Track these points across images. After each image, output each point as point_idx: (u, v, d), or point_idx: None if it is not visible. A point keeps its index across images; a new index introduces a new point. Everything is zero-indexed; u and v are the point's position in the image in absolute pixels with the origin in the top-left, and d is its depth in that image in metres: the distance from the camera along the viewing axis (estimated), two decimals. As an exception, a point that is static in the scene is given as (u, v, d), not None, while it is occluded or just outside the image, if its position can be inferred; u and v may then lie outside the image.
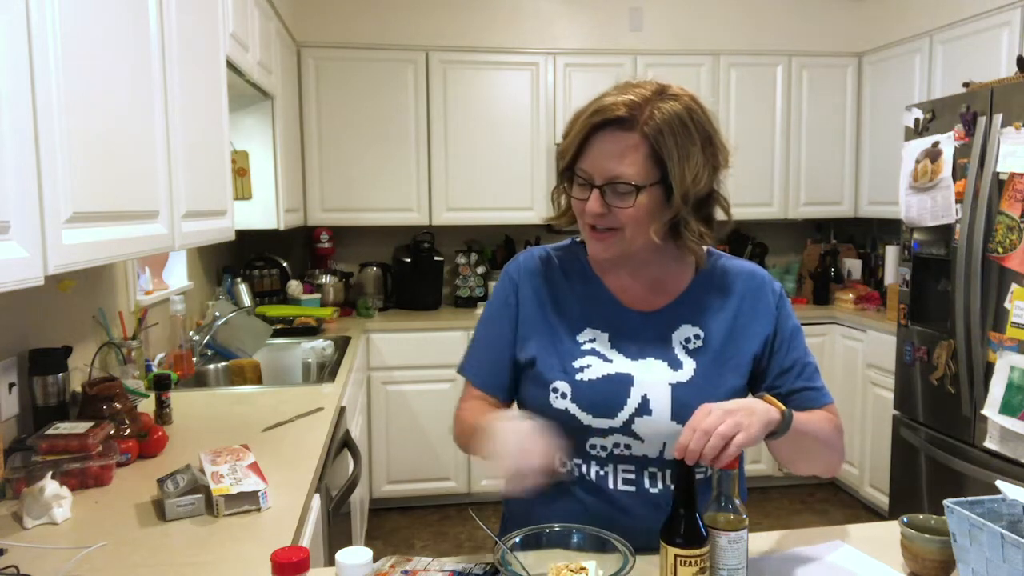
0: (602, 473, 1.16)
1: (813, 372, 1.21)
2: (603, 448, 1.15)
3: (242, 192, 2.89)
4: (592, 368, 1.16)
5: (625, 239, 1.12)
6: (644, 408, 1.13)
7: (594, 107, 1.09)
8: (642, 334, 1.18)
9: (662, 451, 1.14)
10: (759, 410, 0.98)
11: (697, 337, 1.18)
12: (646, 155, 1.07)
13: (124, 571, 1.12)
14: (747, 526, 0.97)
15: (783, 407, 1.02)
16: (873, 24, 3.96)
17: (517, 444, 0.99)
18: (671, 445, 1.11)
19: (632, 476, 1.15)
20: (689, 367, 1.16)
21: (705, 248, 1.21)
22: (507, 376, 1.23)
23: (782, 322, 1.20)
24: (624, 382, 1.14)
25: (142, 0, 1.43)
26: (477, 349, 1.27)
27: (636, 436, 1.13)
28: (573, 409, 1.14)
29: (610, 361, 1.16)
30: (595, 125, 1.08)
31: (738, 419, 0.95)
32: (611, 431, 1.14)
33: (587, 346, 1.18)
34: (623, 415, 1.13)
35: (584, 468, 1.16)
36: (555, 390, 1.15)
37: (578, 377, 1.15)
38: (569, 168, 1.13)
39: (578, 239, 1.29)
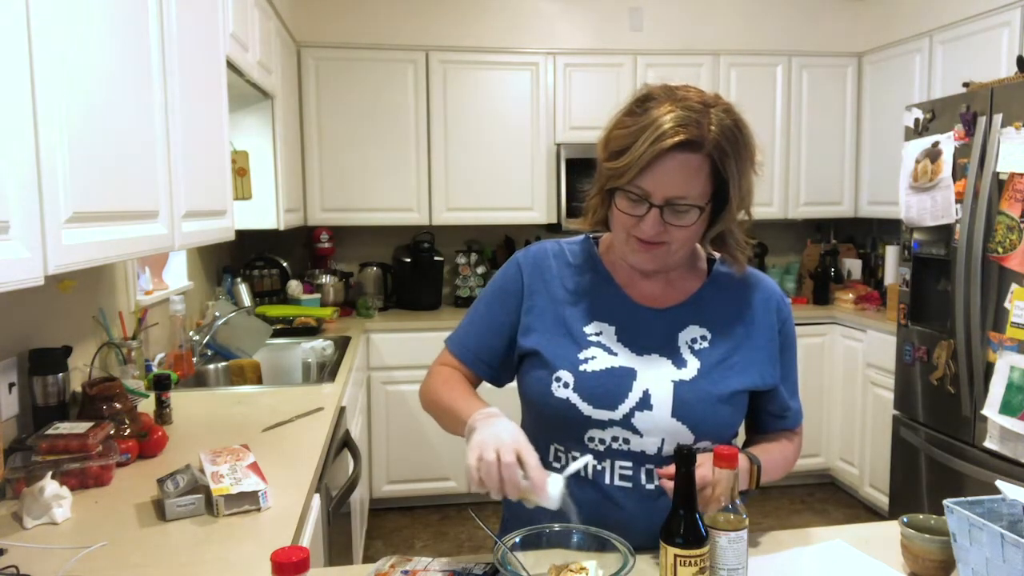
0: (599, 468, 1.16)
1: (795, 390, 1.28)
2: (601, 441, 1.15)
3: (242, 192, 2.88)
4: (596, 360, 1.16)
5: (671, 251, 1.13)
6: (645, 403, 1.14)
7: (658, 130, 1.03)
8: (649, 331, 1.19)
9: (660, 448, 1.14)
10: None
11: (704, 338, 1.19)
12: (708, 175, 1.07)
13: (124, 571, 1.12)
14: (747, 526, 0.97)
15: (756, 479, 1.13)
16: (873, 24, 3.96)
17: (491, 459, 1.01)
18: (670, 442, 1.13)
19: (629, 472, 1.15)
20: (693, 366, 1.16)
21: (718, 255, 1.22)
22: (487, 355, 1.26)
23: (787, 343, 1.24)
24: (627, 375, 1.15)
25: (142, 0, 1.44)
26: (467, 325, 1.30)
27: (635, 431, 1.14)
28: (574, 399, 1.15)
29: (615, 354, 1.17)
30: (664, 149, 1.04)
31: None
32: (611, 423, 1.14)
33: (593, 338, 1.19)
34: (623, 408, 1.14)
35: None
36: (558, 379, 1.16)
37: (582, 368, 1.16)
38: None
39: (592, 235, 1.30)
